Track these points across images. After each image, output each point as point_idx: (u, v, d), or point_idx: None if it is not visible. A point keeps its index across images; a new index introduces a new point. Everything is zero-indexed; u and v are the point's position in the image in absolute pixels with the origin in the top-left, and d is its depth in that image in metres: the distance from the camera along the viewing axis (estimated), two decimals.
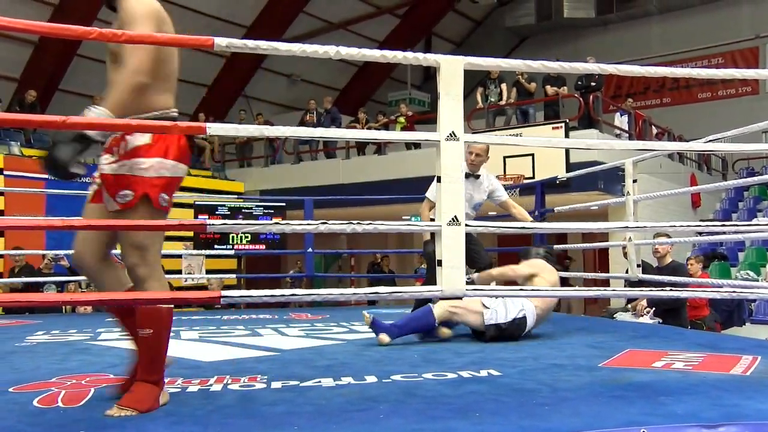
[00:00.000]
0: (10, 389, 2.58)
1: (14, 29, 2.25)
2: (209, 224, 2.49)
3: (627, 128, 12.03)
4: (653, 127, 13.73)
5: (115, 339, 4.21)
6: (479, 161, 4.80)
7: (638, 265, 5.23)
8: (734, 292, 3.21)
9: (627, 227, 4.90)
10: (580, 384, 2.62)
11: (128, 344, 3.91)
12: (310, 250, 7.45)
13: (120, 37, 2.49)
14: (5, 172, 10.36)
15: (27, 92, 12.11)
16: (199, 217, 8.56)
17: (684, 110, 18.73)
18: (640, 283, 5.07)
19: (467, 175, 4.71)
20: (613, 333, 4.25)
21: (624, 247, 5.52)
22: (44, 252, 8.89)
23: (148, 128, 2.44)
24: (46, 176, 11.17)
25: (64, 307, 7.77)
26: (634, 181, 5.35)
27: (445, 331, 4.08)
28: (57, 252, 8.47)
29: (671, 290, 3.63)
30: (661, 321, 5.62)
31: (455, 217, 2.64)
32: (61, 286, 8.24)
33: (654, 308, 5.71)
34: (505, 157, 10.38)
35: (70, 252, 8.21)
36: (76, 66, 14.37)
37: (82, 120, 2.46)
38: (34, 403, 2.35)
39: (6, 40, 13.15)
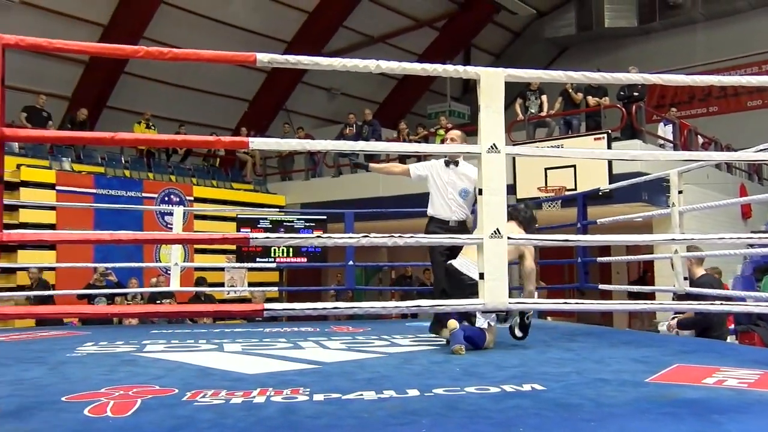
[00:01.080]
0: (63, 398, 2.65)
1: (69, 50, 2.33)
2: (252, 237, 2.53)
3: (671, 138, 11.79)
4: (699, 136, 13.43)
5: (160, 351, 4.29)
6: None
7: (685, 278, 5.11)
8: None
9: (673, 239, 4.79)
10: (626, 400, 2.56)
11: (173, 356, 3.99)
12: (351, 263, 7.47)
13: (166, 55, 2.56)
14: (57, 188, 10.68)
15: (78, 110, 12.50)
16: (242, 230, 8.67)
17: (732, 119, 18.28)
18: (688, 297, 4.95)
19: (447, 163, 4.85)
20: (660, 347, 4.14)
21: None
22: (95, 265, 9.12)
23: (195, 143, 2.49)
24: (94, 191, 11.53)
25: (113, 318, 7.96)
26: (680, 192, 5.23)
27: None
28: (106, 265, 8.69)
29: (722, 305, 3.52)
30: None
31: (497, 229, 2.62)
32: (111, 299, 8.44)
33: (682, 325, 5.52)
34: (546, 169, 10.28)
35: (118, 266, 8.34)
36: (123, 83, 14.80)
37: (131, 137, 2.53)
38: (85, 412, 2.41)
39: (59, 61, 13.61)
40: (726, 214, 12.41)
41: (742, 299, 4.88)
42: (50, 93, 12.64)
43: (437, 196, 4.87)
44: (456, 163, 4.88)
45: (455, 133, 5.07)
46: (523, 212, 4.50)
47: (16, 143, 10.84)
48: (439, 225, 4.80)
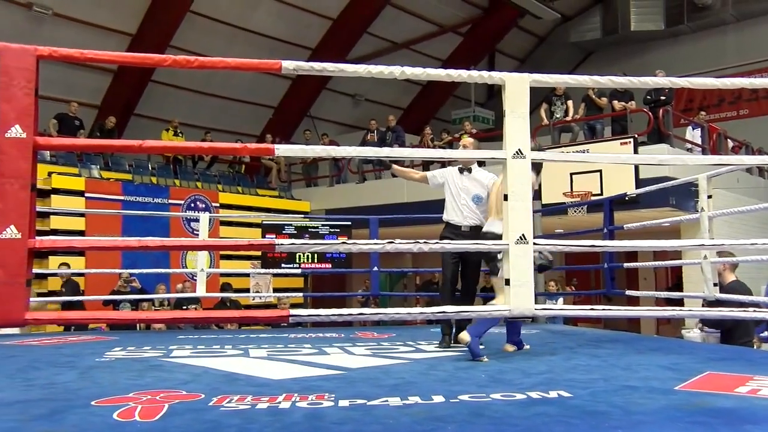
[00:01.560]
0: (93, 402, 2.69)
1: (100, 60, 2.38)
2: (278, 244, 2.55)
3: (700, 142, 11.62)
4: (729, 140, 13.21)
5: (187, 356, 4.33)
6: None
7: (715, 284, 5.03)
8: None
9: (703, 245, 4.72)
10: (655, 407, 2.52)
11: (199, 362, 4.02)
12: (375, 269, 7.48)
13: (192, 63, 2.59)
14: (86, 195, 10.85)
15: (107, 118, 12.70)
16: (267, 236, 8.71)
17: (763, 122, 17.92)
18: (718, 303, 4.87)
19: (461, 170, 4.98)
20: (690, 354, 4.08)
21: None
22: (119, 271, 9.25)
23: (222, 150, 2.52)
24: (122, 198, 11.63)
25: (138, 324, 8.05)
26: (709, 197, 5.15)
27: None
28: (131, 272, 8.79)
29: (756, 311, 3.46)
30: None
31: (523, 235, 2.61)
32: (135, 305, 8.54)
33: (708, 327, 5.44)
34: (571, 174, 10.18)
35: (145, 271, 8.43)
36: (150, 91, 15.01)
37: (158, 144, 2.57)
38: (114, 416, 2.44)
39: (88, 70, 13.85)
40: (757, 219, 12.18)
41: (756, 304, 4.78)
42: (80, 101, 12.84)
43: (451, 202, 5.01)
44: (469, 170, 5.01)
45: (468, 141, 5.31)
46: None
47: (48, 151, 11.05)
48: (452, 231, 4.93)
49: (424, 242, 2.55)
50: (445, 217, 5.04)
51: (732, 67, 17.89)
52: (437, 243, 2.58)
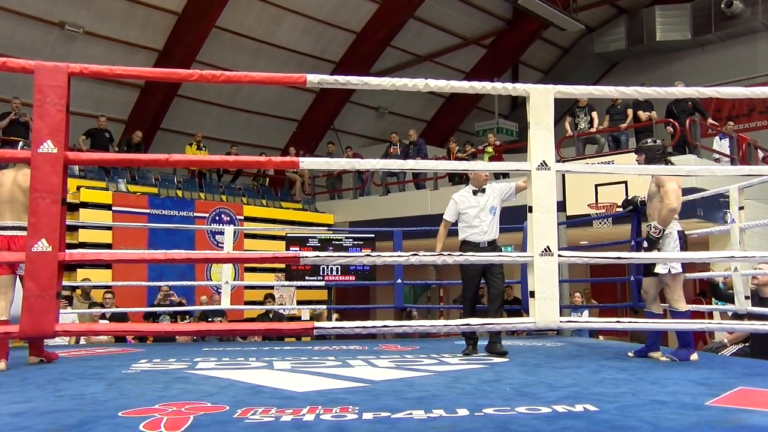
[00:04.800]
0: (120, 413, 2.72)
1: (129, 76, 2.43)
2: (302, 256, 2.56)
3: (729, 153, 11.45)
4: (758, 150, 13.00)
5: (212, 368, 4.35)
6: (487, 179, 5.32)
7: (746, 297, 4.93)
8: None
9: (733, 257, 4.64)
10: (685, 423, 2.48)
11: (224, 374, 4.04)
12: (399, 281, 7.47)
13: (218, 77, 2.62)
14: (113, 208, 11.01)
15: (134, 133, 12.91)
16: (291, 249, 8.76)
17: None
18: (750, 316, 4.77)
19: (475, 192, 5.22)
20: (721, 369, 4.00)
21: (724, 278, 5.23)
22: (148, 284, 9.35)
23: (247, 164, 2.54)
24: (148, 211, 11.76)
25: (175, 337, 8.13)
26: (741, 208, 5.07)
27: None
28: (165, 284, 8.89)
29: None
30: None
31: (548, 247, 2.59)
32: (174, 318, 8.65)
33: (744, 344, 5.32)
34: (596, 185, 10.11)
35: (171, 284, 8.51)
36: (176, 106, 15.22)
37: (184, 158, 2.60)
38: (140, 427, 2.46)
39: (116, 86, 14.11)
40: None
41: None
42: (108, 116, 13.07)
43: (469, 226, 5.20)
44: (483, 191, 5.24)
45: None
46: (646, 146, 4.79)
47: (77, 166, 11.24)
48: (470, 249, 5.11)
49: (448, 254, 2.54)
50: (463, 236, 5.23)
51: (763, 76, 17.60)
52: (461, 255, 2.57)
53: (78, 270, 9.76)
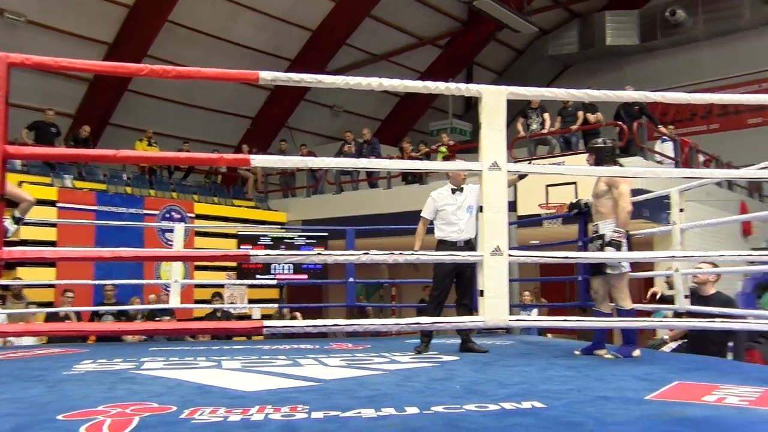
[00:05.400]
0: (59, 417, 2.63)
1: (75, 69, 2.35)
2: (253, 255, 2.53)
3: (671, 155, 11.78)
4: (700, 154, 13.44)
5: (159, 368, 4.27)
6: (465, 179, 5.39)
7: (686, 296, 5.09)
8: None
9: (674, 257, 4.79)
10: (629, 418, 2.54)
11: (172, 374, 3.97)
12: (351, 279, 7.46)
13: (170, 73, 2.57)
14: (58, 205, 10.69)
15: (82, 128, 12.55)
16: (242, 247, 8.67)
17: (733, 136, 18.28)
18: (688, 315, 4.93)
19: (453, 190, 5.26)
20: (662, 365, 4.12)
21: (666, 278, 5.38)
22: (93, 282, 9.10)
23: (198, 161, 2.50)
24: (96, 208, 11.44)
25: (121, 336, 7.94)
26: (681, 210, 5.23)
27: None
28: (107, 282, 8.66)
29: (723, 322, 3.51)
30: None
31: (498, 246, 2.62)
32: (118, 317, 8.44)
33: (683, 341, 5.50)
34: (547, 186, 10.28)
35: (118, 282, 8.25)
36: (126, 101, 14.88)
37: (134, 154, 2.54)
38: (81, 430, 2.40)
39: (64, 79, 13.71)
40: (727, 232, 12.38)
41: (743, 316, 4.86)
42: (55, 110, 12.68)
43: (447, 224, 5.21)
44: (461, 189, 5.26)
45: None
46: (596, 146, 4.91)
47: (19, 161, 10.88)
48: (447, 248, 5.13)
49: (400, 253, 2.55)
50: (439, 235, 5.25)
51: (705, 82, 18.24)
52: (413, 254, 2.58)
53: (17, 269, 9.45)
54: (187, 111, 16.00)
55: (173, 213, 12.39)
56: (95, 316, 8.29)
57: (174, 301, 6.84)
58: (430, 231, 5.42)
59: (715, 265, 5.27)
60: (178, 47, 14.59)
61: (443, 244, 5.20)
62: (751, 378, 3.43)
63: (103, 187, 11.98)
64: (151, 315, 8.58)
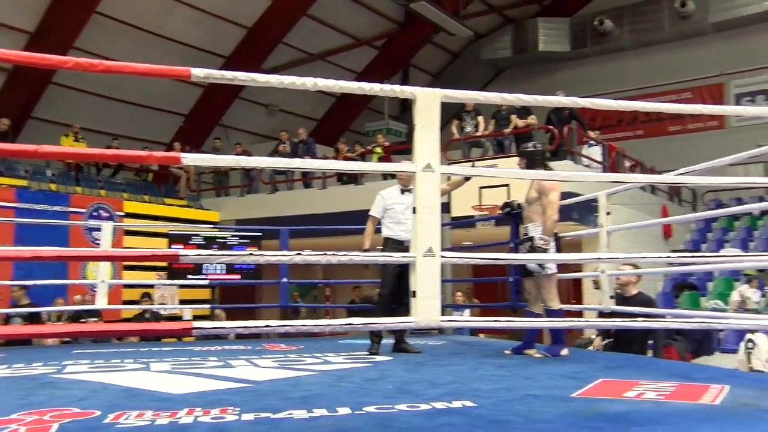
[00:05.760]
0: None
1: None
2: (183, 254, 2.47)
3: (599, 159, 12.18)
4: (626, 159, 13.94)
5: (83, 372, 4.12)
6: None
7: (611, 297, 5.27)
8: (703, 322, 3.25)
9: (600, 258, 4.96)
10: (555, 415, 2.62)
11: (97, 377, 3.84)
12: (285, 280, 7.40)
13: (97, 66, 2.49)
14: None
15: (0, 120, 11.98)
16: (173, 246, 8.47)
17: (656, 142, 19.09)
18: (613, 315, 5.11)
19: (402, 191, 5.35)
20: (588, 363, 4.26)
21: (594, 279, 5.57)
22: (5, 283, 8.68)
23: (127, 158, 2.42)
24: (16, 205, 10.95)
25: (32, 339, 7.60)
26: (608, 213, 5.42)
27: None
28: (22, 283, 8.27)
29: (644, 321, 3.66)
30: None
31: (431, 248, 2.65)
32: (29, 319, 8.06)
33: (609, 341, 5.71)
34: (480, 188, 10.45)
35: (40, 283, 7.89)
36: (50, 94, 14.28)
37: (57, 150, 2.45)
38: None
39: None
40: (650, 234, 12.90)
41: (662, 315, 5.08)
42: None
43: (395, 222, 5.29)
44: (410, 190, 5.22)
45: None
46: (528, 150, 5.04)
47: None
48: (394, 246, 5.21)
49: (333, 254, 2.54)
50: (387, 233, 5.31)
51: (631, 90, 18.96)
52: (345, 255, 2.58)
53: None
54: (116, 106, 15.50)
55: (101, 211, 11.98)
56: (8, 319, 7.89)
57: (101, 302, 6.63)
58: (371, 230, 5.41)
59: (636, 267, 5.49)
60: (107, 40, 14.11)
61: (390, 243, 5.25)
62: (668, 374, 3.59)
63: (24, 183, 11.47)
64: (76, 316, 8.27)
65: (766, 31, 18.07)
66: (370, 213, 5.45)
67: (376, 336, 5.21)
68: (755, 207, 4.69)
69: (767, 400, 2.80)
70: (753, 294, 10.45)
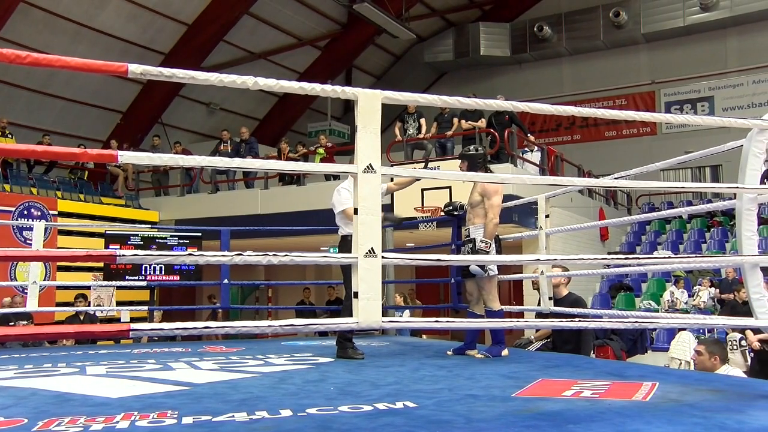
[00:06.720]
0: None
1: None
2: (119, 255, 2.41)
3: (537, 163, 12.46)
4: (564, 162, 14.30)
5: (10, 378, 3.96)
6: None
7: (550, 298, 5.39)
8: (637, 322, 3.36)
9: (539, 260, 5.05)
10: (494, 414, 2.66)
11: (26, 383, 3.69)
12: (226, 281, 7.29)
13: (24, 59, 2.40)
14: None
15: None
16: (110, 246, 8.22)
17: (592, 147, 19.70)
18: (551, 315, 5.23)
19: None
20: (528, 363, 4.35)
21: (533, 281, 5.69)
22: None
23: (58, 155, 2.35)
24: None
25: None
26: (547, 216, 5.54)
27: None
28: None
29: (581, 321, 3.76)
30: None
31: (372, 249, 2.65)
32: None
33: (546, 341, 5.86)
34: (423, 190, 10.54)
35: None
36: None
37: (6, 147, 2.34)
38: None
39: None
40: (587, 236, 13.26)
41: (599, 316, 5.23)
42: None
43: None
44: None
45: None
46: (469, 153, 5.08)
47: None
48: None
49: (274, 254, 2.52)
50: (348, 231, 5.13)
51: (568, 95, 19.52)
52: (287, 255, 2.56)
53: None
54: (47, 101, 14.97)
55: (32, 210, 11.54)
56: None
57: (31, 304, 6.39)
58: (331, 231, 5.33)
59: (565, 269, 5.64)
60: (36, 32, 13.62)
61: (350, 241, 5.16)
62: (603, 372, 3.70)
63: None
64: (4, 320, 7.93)
65: (690, 43, 18.93)
66: (349, 205, 5.17)
67: (348, 340, 4.97)
68: (685, 211, 4.89)
69: (691, 396, 2.92)
70: (681, 295, 10.88)
